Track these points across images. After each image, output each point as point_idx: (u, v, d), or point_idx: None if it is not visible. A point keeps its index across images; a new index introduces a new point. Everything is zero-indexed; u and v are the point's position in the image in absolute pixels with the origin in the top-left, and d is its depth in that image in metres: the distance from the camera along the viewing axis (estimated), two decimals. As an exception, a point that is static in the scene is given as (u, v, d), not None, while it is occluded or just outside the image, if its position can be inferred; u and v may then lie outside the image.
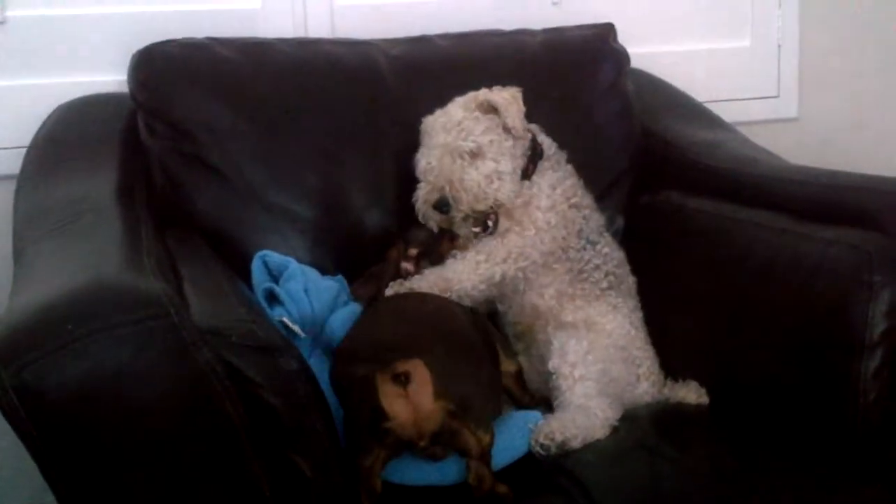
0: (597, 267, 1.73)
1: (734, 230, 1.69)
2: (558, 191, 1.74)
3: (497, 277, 1.66)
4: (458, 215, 1.67)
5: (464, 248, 1.71)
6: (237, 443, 1.11)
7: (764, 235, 1.62)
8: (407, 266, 1.67)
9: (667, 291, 1.80)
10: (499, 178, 1.67)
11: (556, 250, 1.71)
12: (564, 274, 1.72)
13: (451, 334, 1.42)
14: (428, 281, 1.63)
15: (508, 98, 1.71)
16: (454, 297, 1.62)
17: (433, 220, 1.70)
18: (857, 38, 2.58)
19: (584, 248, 1.74)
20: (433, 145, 1.70)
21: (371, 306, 1.59)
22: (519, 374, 1.64)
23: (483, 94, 1.72)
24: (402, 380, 1.26)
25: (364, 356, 1.33)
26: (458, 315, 1.52)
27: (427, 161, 1.70)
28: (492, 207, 1.68)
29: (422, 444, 1.30)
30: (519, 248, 1.68)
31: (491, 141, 1.69)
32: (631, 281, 1.81)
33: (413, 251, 1.70)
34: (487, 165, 1.67)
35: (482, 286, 1.65)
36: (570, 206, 1.75)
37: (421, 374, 1.26)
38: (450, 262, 1.68)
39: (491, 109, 1.71)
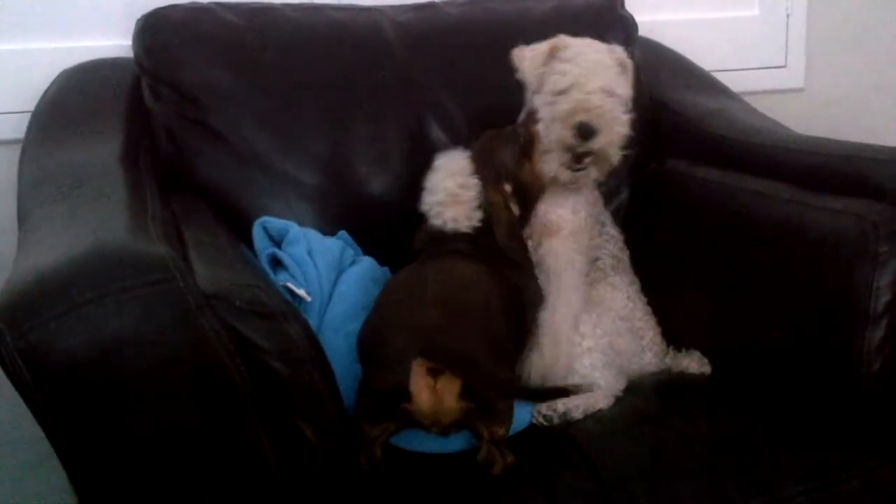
0: (609, 254, 1.74)
1: (740, 199, 1.68)
2: None
3: None
4: (592, 147, 1.59)
5: (541, 173, 1.65)
6: (242, 408, 1.11)
7: (770, 205, 1.61)
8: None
9: (672, 260, 1.80)
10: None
11: None
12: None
13: (490, 325, 1.38)
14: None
15: (632, 66, 1.70)
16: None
17: (562, 143, 1.60)
18: (865, 9, 2.57)
19: (600, 234, 1.74)
20: (589, 69, 1.61)
21: (413, 271, 1.52)
22: None
23: (620, 51, 1.69)
24: (435, 372, 1.26)
25: (402, 330, 1.32)
26: (496, 294, 1.46)
27: (582, 81, 1.60)
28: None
29: (434, 429, 1.32)
30: None
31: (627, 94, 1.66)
32: (626, 256, 1.80)
33: (508, 188, 1.62)
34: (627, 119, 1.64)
35: None
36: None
37: (453, 372, 1.27)
38: None
39: (622, 70, 1.68)
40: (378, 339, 1.34)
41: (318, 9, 1.93)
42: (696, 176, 1.85)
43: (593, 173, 1.66)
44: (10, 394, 1.01)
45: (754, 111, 2.02)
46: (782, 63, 2.50)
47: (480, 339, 1.33)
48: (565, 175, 1.64)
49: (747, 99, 2.11)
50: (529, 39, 1.76)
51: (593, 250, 1.72)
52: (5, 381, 1.00)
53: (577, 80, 1.60)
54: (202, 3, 1.84)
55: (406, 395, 1.27)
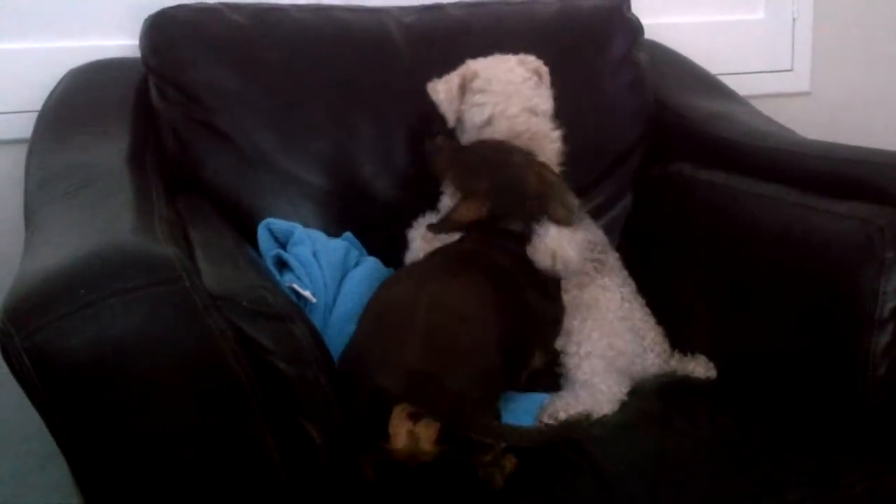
0: (588, 258, 1.72)
1: (745, 203, 1.68)
2: None
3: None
4: None
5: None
6: (247, 408, 1.11)
7: (775, 209, 1.61)
8: None
9: (677, 264, 1.80)
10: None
11: None
12: None
13: (480, 362, 1.32)
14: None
15: (545, 70, 1.70)
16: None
17: None
18: (871, 13, 2.57)
19: None
20: (506, 93, 1.62)
21: (406, 289, 1.44)
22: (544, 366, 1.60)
23: (532, 60, 1.70)
24: (414, 416, 1.23)
25: (386, 368, 1.26)
26: (496, 319, 1.40)
27: (502, 107, 1.61)
28: None
29: (414, 466, 1.29)
30: None
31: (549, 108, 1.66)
32: (613, 258, 1.79)
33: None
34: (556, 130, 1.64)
35: None
36: None
37: (432, 420, 1.23)
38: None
39: (539, 80, 1.68)
40: (361, 372, 1.29)
41: (324, 10, 1.93)
42: (700, 179, 1.84)
43: None
44: (15, 392, 1.02)
45: (760, 115, 2.02)
46: (788, 67, 2.50)
47: (468, 382, 1.27)
48: None
49: (753, 102, 2.10)
50: (535, 42, 1.77)
51: None
52: (10, 379, 1.00)
53: (496, 107, 1.61)
54: (209, 4, 1.84)
55: (385, 436, 1.23)
